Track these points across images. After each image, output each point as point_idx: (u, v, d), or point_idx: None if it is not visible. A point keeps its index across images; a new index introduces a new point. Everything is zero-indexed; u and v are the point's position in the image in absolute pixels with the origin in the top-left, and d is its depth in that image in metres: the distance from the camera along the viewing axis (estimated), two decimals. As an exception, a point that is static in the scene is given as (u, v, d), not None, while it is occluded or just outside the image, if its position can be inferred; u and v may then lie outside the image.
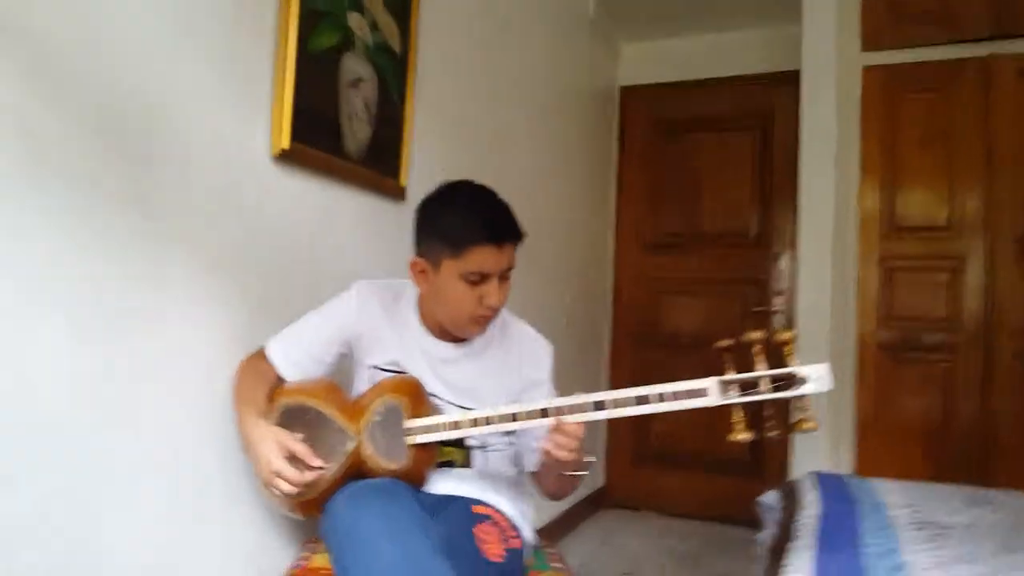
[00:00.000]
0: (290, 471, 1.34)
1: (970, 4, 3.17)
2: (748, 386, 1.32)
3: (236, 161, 1.58)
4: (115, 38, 1.29)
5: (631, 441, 4.19)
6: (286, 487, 1.34)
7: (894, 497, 2.03)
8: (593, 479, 4.12)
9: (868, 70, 3.32)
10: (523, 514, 1.60)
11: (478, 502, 1.50)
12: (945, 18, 3.21)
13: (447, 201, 1.48)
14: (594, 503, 4.03)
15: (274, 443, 1.36)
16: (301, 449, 1.37)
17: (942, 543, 1.57)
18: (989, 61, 3.15)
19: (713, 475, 3.98)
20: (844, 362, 3.25)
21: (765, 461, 3.83)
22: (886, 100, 3.29)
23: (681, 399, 1.30)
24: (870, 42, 3.32)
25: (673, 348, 4.08)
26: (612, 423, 4.08)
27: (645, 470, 4.15)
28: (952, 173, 3.20)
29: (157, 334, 1.40)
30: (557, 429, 1.32)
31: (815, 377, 1.28)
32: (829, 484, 2.22)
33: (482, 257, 1.41)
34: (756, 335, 1.31)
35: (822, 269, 3.30)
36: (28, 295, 1.17)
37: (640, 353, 4.21)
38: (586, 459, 1.41)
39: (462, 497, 1.51)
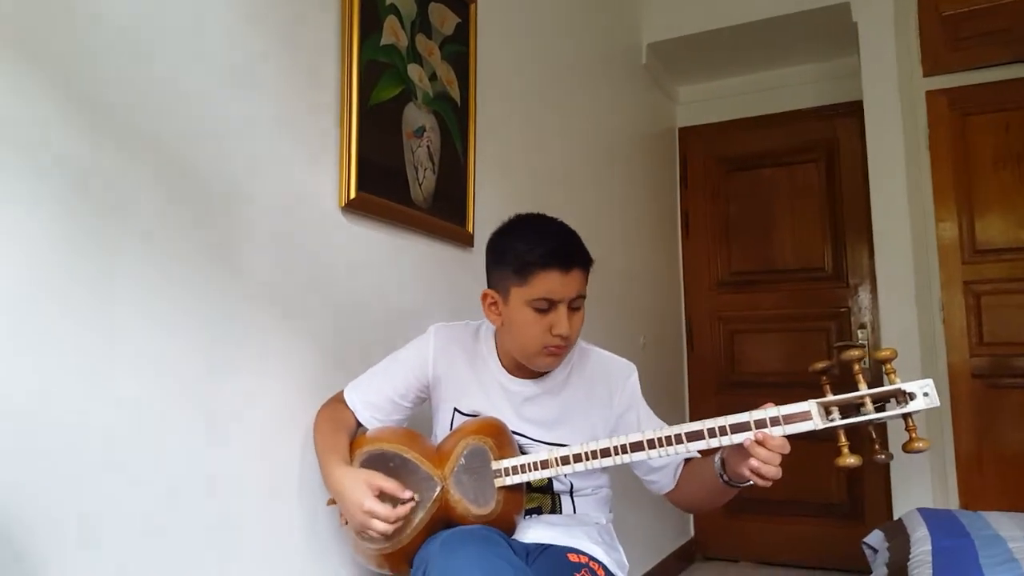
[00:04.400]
0: (383, 509, 1.30)
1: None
2: (848, 408, 1.24)
3: (305, 212, 1.60)
4: (189, 95, 1.34)
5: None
6: (381, 526, 1.30)
7: (1013, 530, 1.90)
8: (683, 530, 3.97)
9: (932, 95, 3.24)
10: (619, 564, 1.52)
11: (573, 550, 1.43)
12: (1007, 38, 3.12)
13: (514, 230, 1.48)
14: (684, 557, 3.88)
15: (363, 484, 1.33)
16: (390, 485, 1.34)
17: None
18: (1060, 76, 3.04)
19: (809, 519, 3.77)
20: (938, 393, 3.07)
21: (864, 502, 3.62)
22: (954, 124, 3.19)
23: (781, 424, 1.23)
24: (931, 67, 3.24)
25: (755, 389, 3.90)
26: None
27: (737, 519, 3.94)
28: (1031, 192, 3.07)
29: (230, 383, 1.40)
30: (762, 443, 1.21)
31: (923, 393, 1.20)
32: (937, 519, 2.10)
33: (548, 283, 1.39)
34: (855, 353, 1.23)
35: (905, 299, 3.17)
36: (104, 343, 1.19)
37: (721, 396, 4.07)
38: None
39: (556, 545, 1.44)
